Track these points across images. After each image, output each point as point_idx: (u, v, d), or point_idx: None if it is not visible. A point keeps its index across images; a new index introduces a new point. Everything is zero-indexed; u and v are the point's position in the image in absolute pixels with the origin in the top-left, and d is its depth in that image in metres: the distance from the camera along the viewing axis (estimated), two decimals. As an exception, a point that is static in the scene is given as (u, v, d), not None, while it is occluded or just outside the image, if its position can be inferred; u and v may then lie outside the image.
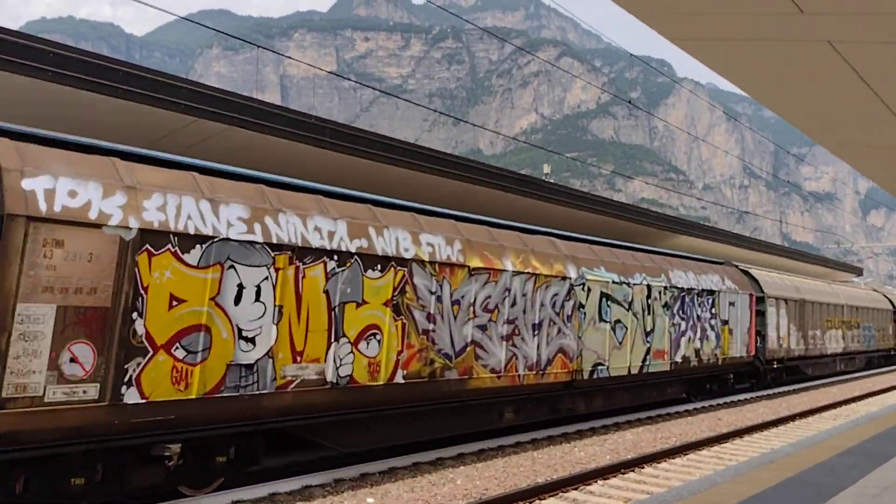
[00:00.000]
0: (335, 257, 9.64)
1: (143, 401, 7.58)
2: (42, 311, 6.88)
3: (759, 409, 19.28)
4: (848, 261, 64.85)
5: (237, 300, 8.52)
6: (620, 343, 15.43)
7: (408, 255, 10.68)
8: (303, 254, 9.26)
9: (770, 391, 23.18)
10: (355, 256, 9.89)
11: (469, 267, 11.72)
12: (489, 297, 12.10)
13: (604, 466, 10.92)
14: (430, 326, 10.97)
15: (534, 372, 12.97)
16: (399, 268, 10.52)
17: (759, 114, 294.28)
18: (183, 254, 8.00)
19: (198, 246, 8.14)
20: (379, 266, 10.24)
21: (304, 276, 9.26)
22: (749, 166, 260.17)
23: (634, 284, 16.02)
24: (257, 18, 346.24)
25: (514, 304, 12.57)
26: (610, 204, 23.03)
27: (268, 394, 8.75)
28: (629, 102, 22.99)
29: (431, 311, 11.00)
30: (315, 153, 13.16)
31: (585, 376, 14.30)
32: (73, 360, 7.07)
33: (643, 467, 11.48)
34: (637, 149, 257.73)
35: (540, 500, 9.32)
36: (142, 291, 7.60)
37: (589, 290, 14.52)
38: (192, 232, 8.08)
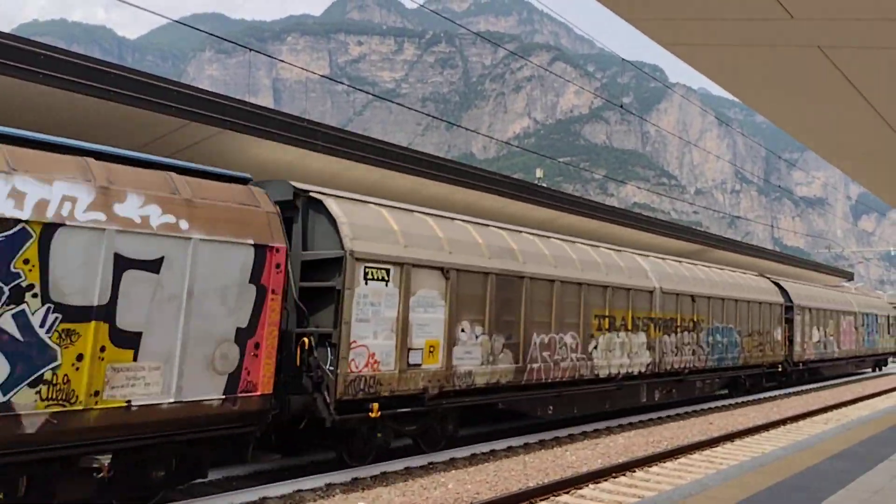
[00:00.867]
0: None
1: None
2: None
3: (749, 414, 19.33)
4: (839, 265, 65.10)
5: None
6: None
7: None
8: None
9: (759, 395, 23.45)
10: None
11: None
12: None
13: (595, 470, 10.93)
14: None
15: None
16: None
17: (750, 119, 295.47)
18: None
19: None
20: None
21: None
22: (741, 171, 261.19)
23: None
24: (250, 22, 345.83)
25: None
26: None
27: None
28: (621, 107, 23.03)
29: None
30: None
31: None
32: None
33: (634, 471, 11.49)
34: (629, 153, 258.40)
35: (531, 504, 9.33)
36: None
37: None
38: None
